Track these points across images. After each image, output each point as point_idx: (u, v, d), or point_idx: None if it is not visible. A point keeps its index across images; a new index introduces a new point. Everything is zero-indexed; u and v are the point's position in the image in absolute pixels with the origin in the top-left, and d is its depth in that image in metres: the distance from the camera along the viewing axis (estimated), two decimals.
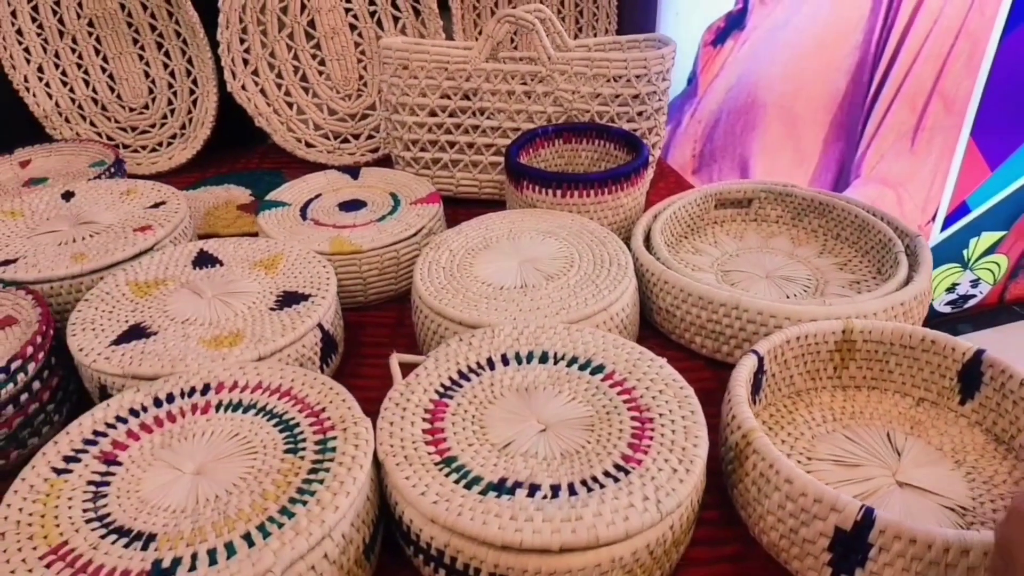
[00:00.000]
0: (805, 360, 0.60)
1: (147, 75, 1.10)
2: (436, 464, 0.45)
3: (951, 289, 1.72)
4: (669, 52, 0.87)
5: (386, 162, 1.05)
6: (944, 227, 1.62)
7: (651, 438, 0.47)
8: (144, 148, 1.11)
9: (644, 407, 0.50)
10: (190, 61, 1.08)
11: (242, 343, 0.58)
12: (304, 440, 0.47)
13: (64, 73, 1.07)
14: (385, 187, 0.86)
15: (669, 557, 0.45)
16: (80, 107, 1.09)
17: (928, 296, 0.68)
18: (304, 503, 0.42)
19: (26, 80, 1.05)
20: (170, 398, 0.51)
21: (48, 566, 0.39)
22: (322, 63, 1.10)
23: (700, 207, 0.83)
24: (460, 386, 0.52)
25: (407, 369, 0.54)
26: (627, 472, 0.44)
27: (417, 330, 0.67)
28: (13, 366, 0.54)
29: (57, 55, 1.06)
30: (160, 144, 1.11)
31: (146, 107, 1.11)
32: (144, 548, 0.40)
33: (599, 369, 0.53)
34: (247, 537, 0.40)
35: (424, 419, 0.49)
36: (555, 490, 0.43)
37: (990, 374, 0.55)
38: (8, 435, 0.55)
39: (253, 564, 0.38)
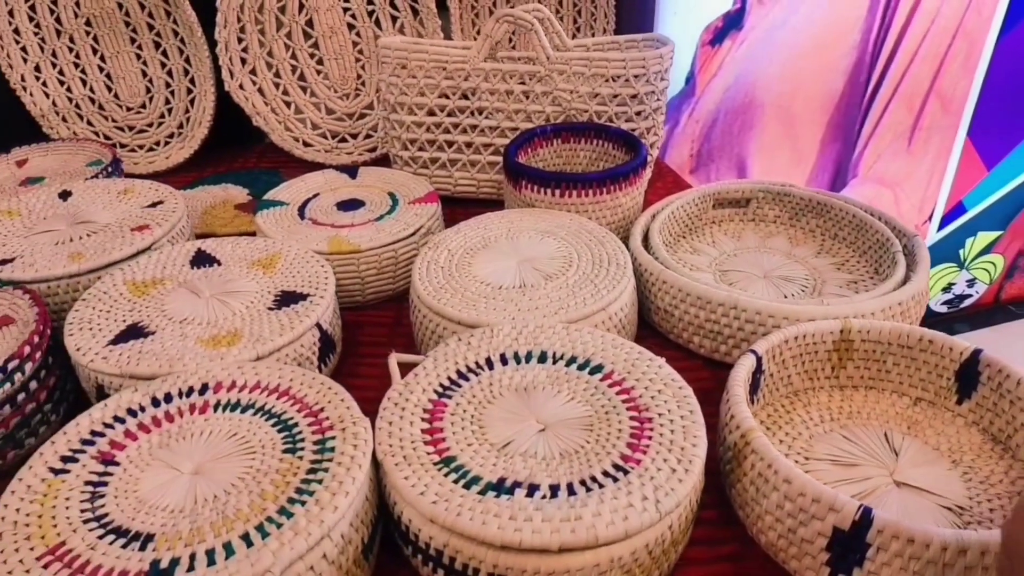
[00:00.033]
0: (803, 360, 0.60)
1: (144, 74, 1.09)
2: (435, 464, 0.45)
3: (947, 289, 1.73)
4: (667, 52, 0.87)
5: (384, 161, 1.05)
6: (941, 227, 1.62)
7: (650, 438, 0.47)
8: (141, 147, 1.10)
9: (643, 407, 0.50)
10: (188, 60, 1.08)
11: (240, 343, 0.58)
12: (303, 440, 0.47)
13: (61, 72, 1.07)
14: (383, 186, 0.86)
15: (667, 557, 0.45)
16: (77, 106, 1.09)
17: (926, 296, 0.68)
18: (303, 503, 0.42)
19: (23, 79, 1.05)
20: (168, 398, 0.51)
21: (46, 567, 0.39)
22: (320, 62, 1.10)
23: (698, 207, 0.83)
24: (459, 386, 0.52)
25: (406, 369, 0.54)
26: (626, 472, 0.44)
27: (415, 330, 0.67)
28: (10, 366, 0.54)
29: (54, 54, 1.06)
30: (157, 143, 1.11)
31: (143, 106, 1.10)
32: (142, 548, 0.40)
33: (598, 369, 0.53)
34: (246, 537, 0.40)
35: (423, 419, 0.49)
36: (554, 490, 0.43)
37: (987, 374, 0.55)
38: (5, 435, 0.55)
39: (252, 564, 0.38)
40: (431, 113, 0.91)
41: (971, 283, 1.74)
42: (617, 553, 0.41)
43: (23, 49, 1.04)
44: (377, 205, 0.82)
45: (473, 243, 0.71)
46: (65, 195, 0.81)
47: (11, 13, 1.02)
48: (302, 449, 0.46)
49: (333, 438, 0.47)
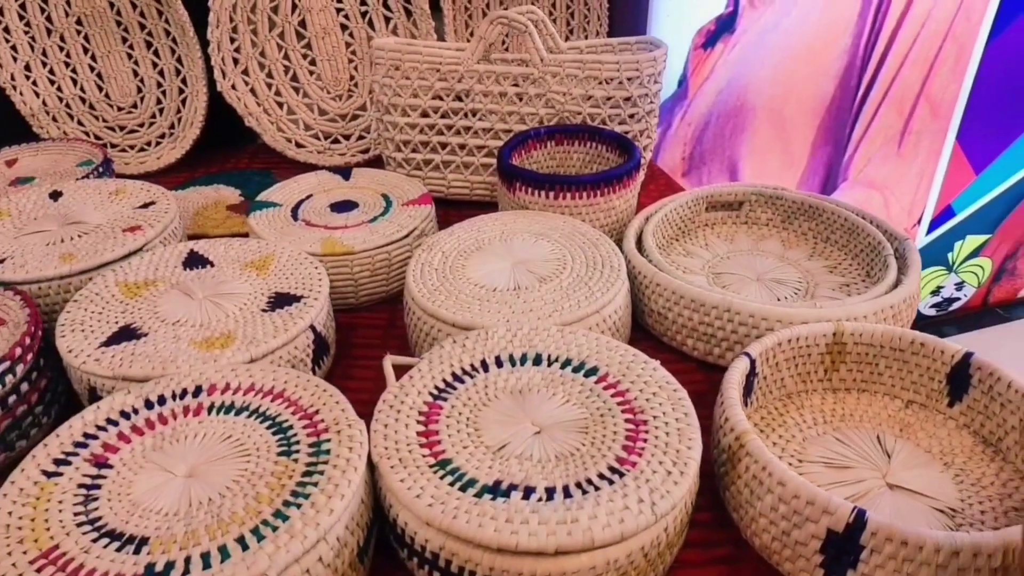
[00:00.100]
0: (796, 362, 0.60)
1: (136, 74, 1.09)
2: (431, 467, 0.45)
3: (936, 292, 1.74)
4: (661, 55, 0.87)
5: (377, 163, 1.05)
6: (929, 230, 1.63)
7: (645, 440, 0.47)
8: (132, 147, 1.10)
9: (638, 409, 0.50)
10: (179, 60, 1.08)
11: (234, 345, 0.57)
12: (298, 443, 0.47)
13: (51, 71, 1.06)
14: (377, 188, 0.86)
15: (663, 559, 0.46)
16: (68, 106, 1.08)
17: (917, 299, 0.68)
18: (298, 506, 0.42)
19: (12, 78, 1.04)
20: (161, 400, 0.51)
21: (39, 570, 0.39)
22: (313, 63, 1.09)
23: (691, 209, 0.84)
24: (454, 388, 0.52)
25: (400, 371, 0.54)
26: (622, 474, 0.45)
27: (409, 332, 0.67)
28: (1, 368, 0.54)
29: (44, 53, 1.05)
30: (149, 144, 1.10)
31: (135, 106, 1.10)
32: (136, 552, 0.40)
33: (593, 371, 0.53)
34: (241, 540, 0.40)
35: (418, 421, 0.49)
36: (550, 492, 0.43)
37: (978, 376, 0.56)
38: None
39: (248, 567, 0.38)
40: (424, 115, 0.91)
41: (959, 286, 1.75)
42: (613, 556, 0.41)
43: (13, 48, 1.04)
44: (371, 207, 0.82)
45: (467, 245, 0.71)
46: (56, 195, 0.80)
47: (0, 12, 1.02)
48: (297, 452, 0.46)
49: (328, 441, 0.46)
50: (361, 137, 1.11)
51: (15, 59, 1.04)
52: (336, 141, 1.11)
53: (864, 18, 1.34)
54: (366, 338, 0.73)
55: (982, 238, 1.67)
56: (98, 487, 0.45)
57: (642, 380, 0.52)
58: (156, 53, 1.08)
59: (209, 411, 0.50)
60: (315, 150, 1.10)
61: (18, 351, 0.55)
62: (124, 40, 1.07)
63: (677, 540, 0.47)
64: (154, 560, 0.39)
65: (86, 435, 0.48)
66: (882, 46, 1.37)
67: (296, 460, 0.45)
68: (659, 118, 0.95)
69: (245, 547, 0.40)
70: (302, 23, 1.07)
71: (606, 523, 0.41)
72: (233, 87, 1.06)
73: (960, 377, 0.57)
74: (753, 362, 0.57)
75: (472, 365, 0.54)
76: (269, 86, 1.09)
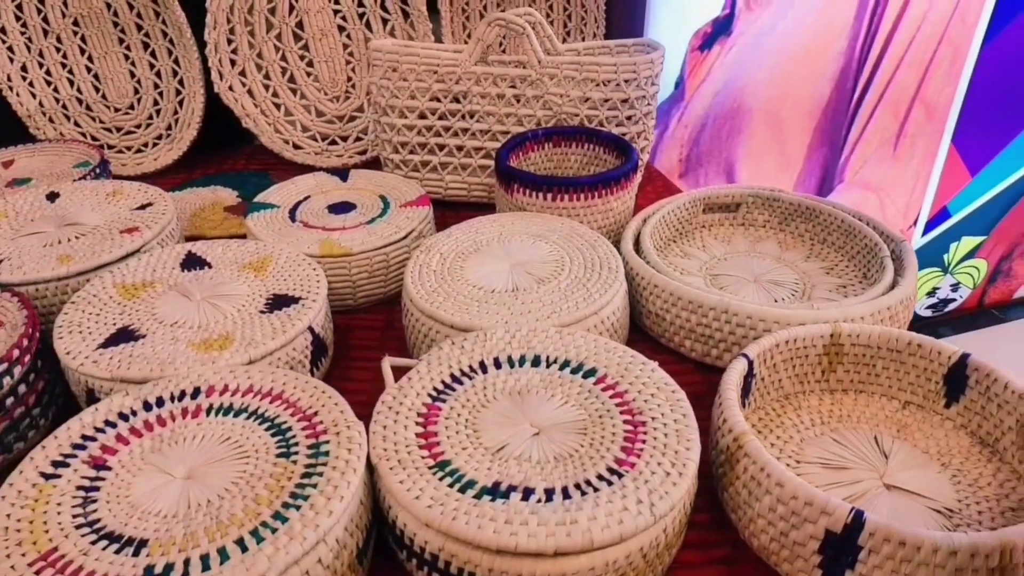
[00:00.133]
0: (794, 364, 0.61)
1: (133, 75, 1.09)
2: (430, 468, 0.45)
3: (932, 293, 1.75)
4: (658, 57, 0.87)
5: (374, 164, 1.05)
6: (925, 232, 1.64)
7: (644, 441, 0.47)
8: (129, 149, 1.10)
9: (636, 410, 0.50)
10: (176, 61, 1.08)
11: (232, 346, 0.57)
12: (297, 444, 0.47)
13: (48, 72, 1.06)
14: (374, 189, 0.86)
15: (661, 560, 0.46)
16: (64, 107, 1.08)
17: (913, 300, 0.68)
18: (298, 508, 0.42)
19: (9, 79, 1.04)
20: (160, 402, 0.51)
21: (38, 573, 0.39)
22: (310, 64, 1.09)
23: (689, 211, 0.84)
24: (453, 390, 0.52)
25: (399, 373, 0.54)
26: (620, 475, 0.45)
27: (407, 333, 0.67)
28: None
29: (41, 54, 1.05)
30: (146, 145, 1.10)
31: (131, 107, 1.10)
32: (136, 554, 0.40)
33: (591, 373, 0.54)
34: (240, 542, 0.40)
35: (417, 423, 0.49)
36: (549, 494, 0.43)
37: (975, 377, 0.56)
38: None
39: (247, 569, 0.38)
40: (422, 116, 0.91)
41: (955, 287, 1.76)
42: (612, 557, 0.41)
43: (9, 49, 1.03)
44: (368, 208, 0.82)
45: (465, 247, 0.71)
46: (53, 197, 0.80)
47: None
48: (296, 453, 0.46)
49: (327, 442, 0.46)
50: (359, 139, 1.11)
51: (12, 60, 1.04)
52: (333, 142, 1.11)
53: (860, 21, 1.35)
54: (364, 339, 0.73)
55: (978, 239, 1.68)
56: (97, 489, 0.44)
57: (640, 381, 0.52)
58: (153, 54, 1.08)
59: (208, 413, 0.50)
60: (312, 151, 1.10)
61: (15, 353, 0.55)
62: (121, 41, 1.07)
63: (676, 541, 0.47)
64: (153, 562, 0.39)
65: (84, 437, 0.48)
66: (878, 49, 1.37)
67: (295, 462, 0.45)
68: (656, 120, 0.95)
69: (244, 549, 0.40)
70: (299, 24, 1.07)
71: (605, 524, 0.41)
72: (230, 88, 1.06)
73: (957, 378, 0.57)
74: (751, 363, 0.57)
75: (471, 366, 0.54)
76: (266, 87, 1.09)
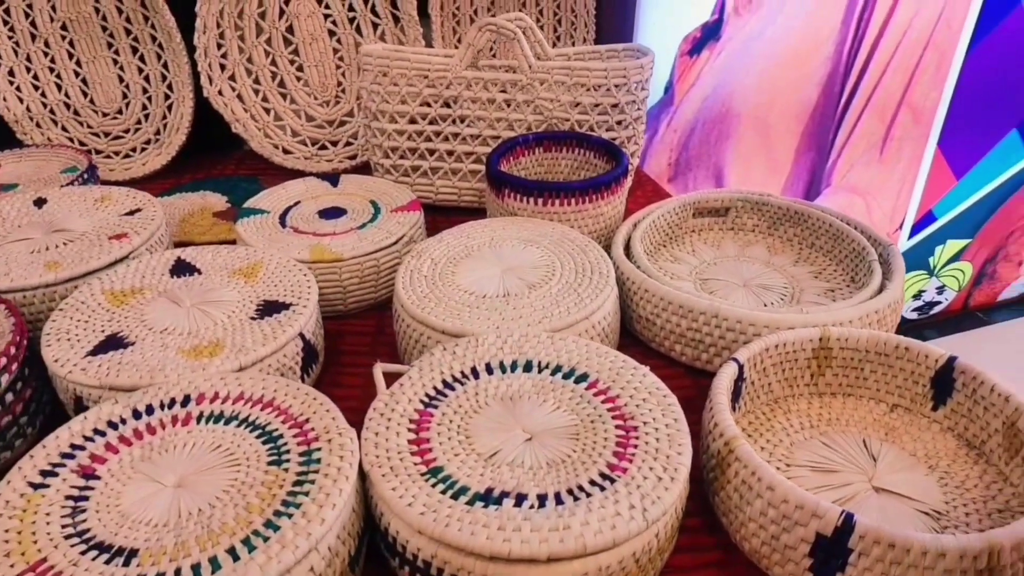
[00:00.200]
0: (783, 367, 0.61)
1: (121, 79, 1.08)
2: (422, 475, 0.45)
3: (918, 296, 1.76)
4: (648, 62, 0.88)
5: (365, 169, 1.04)
6: (911, 235, 1.65)
7: (636, 446, 0.47)
8: (117, 154, 1.09)
9: (628, 415, 0.50)
10: (165, 66, 1.07)
11: (222, 353, 0.57)
12: (288, 452, 0.47)
13: (36, 77, 1.05)
14: (365, 195, 0.86)
15: (654, 565, 0.46)
16: (52, 112, 1.07)
17: (901, 304, 0.69)
18: (290, 516, 0.42)
19: None
20: (149, 410, 0.50)
21: None
22: (300, 69, 1.09)
23: (678, 216, 0.84)
24: (445, 396, 0.52)
25: (390, 379, 0.54)
26: (613, 480, 0.45)
27: (399, 339, 0.67)
28: None
29: (29, 58, 1.04)
30: (134, 150, 1.09)
31: (120, 112, 1.09)
32: (126, 564, 0.40)
33: (583, 378, 0.54)
34: (232, 551, 0.40)
35: (409, 429, 0.49)
36: (542, 499, 0.44)
37: (962, 380, 0.57)
38: None
39: None
40: (413, 121, 0.91)
41: (940, 290, 1.77)
42: (605, 562, 0.42)
43: None
44: (359, 213, 0.82)
45: (456, 252, 0.71)
46: (40, 202, 0.79)
47: None
48: (287, 461, 0.46)
49: (319, 449, 0.46)
50: (349, 143, 1.11)
51: None
52: (324, 147, 1.11)
53: (847, 26, 1.36)
54: (355, 345, 0.73)
55: (963, 242, 1.69)
56: (86, 498, 0.44)
57: (632, 386, 0.53)
58: (142, 59, 1.07)
59: (198, 420, 0.50)
60: (302, 156, 1.10)
61: (3, 361, 0.54)
62: (110, 45, 1.06)
63: (668, 545, 0.47)
64: (144, 572, 0.39)
65: (73, 446, 0.48)
66: (864, 54, 1.38)
67: (287, 469, 0.45)
68: (646, 125, 0.95)
69: (236, 558, 0.39)
70: (289, 29, 1.07)
71: (598, 529, 0.41)
72: (220, 93, 1.06)
73: (944, 381, 0.58)
74: (741, 367, 0.57)
75: (462, 372, 0.54)
76: (256, 92, 1.08)
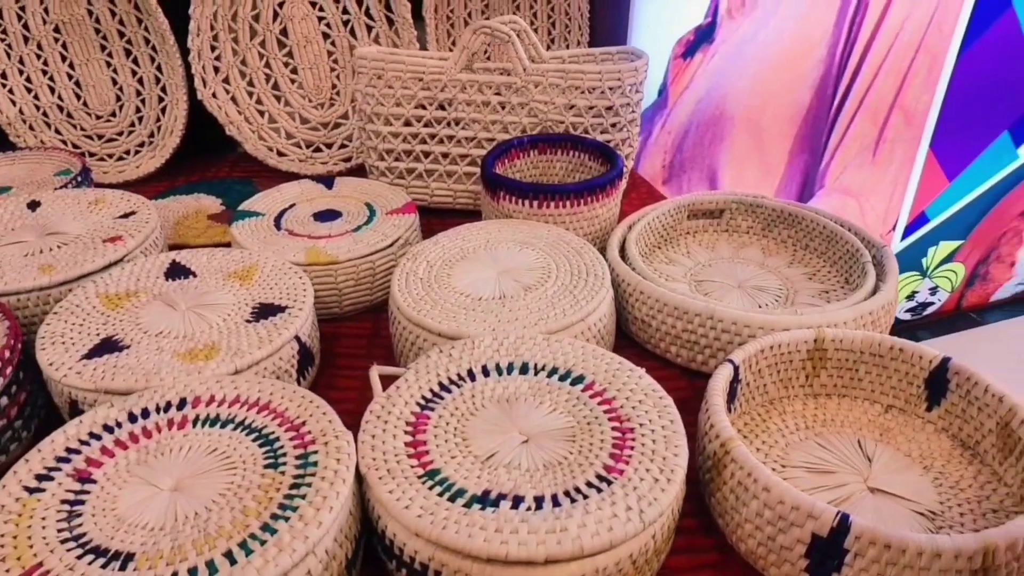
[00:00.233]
0: (778, 369, 0.61)
1: (115, 82, 1.08)
2: (419, 477, 0.45)
3: (911, 297, 1.77)
4: (642, 65, 0.88)
5: (359, 171, 1.04)
6: (904, 236, 1.66)
7: (632, 448, 0.47)
8: (111, 156, 1.09)
9: (624, 417, 0.50)
10: (159, 68, 1.07)
11: (218, 356, 0.57)
12: (284, 455, 0.47)
13: (29, 79, 1.05)
14: (360, 197, 0.86)
15: (650, 566, 0.46)
16: (45, 114, 1.07)
17: (894, 305, 0.69)
18: (286, 519, 0.42)
19: None
20: (145, 413, 0.50)
21: None
22: (294, 71, 1.09)
23: (673, 218, 0.85)
24: (441, 398, 0.52)
25: (387, 381, 0.54)
26: (609, 482, 0.45)
27: (395, 341, 0.67)
28: None
29: (22, 61, 1.04)
30: (128, 152, 1.09)
31: (113, 114, 1.09)
32: (122, 568, 0.39)
33: (579, 380, 0.54)
34: (228, 555, 0.40)
35: (406, 432, 0.49)
36: (539, 501, 0.44)
37: (956, 381, 0.57)
38: None
39: None
40: (407, 123, 0.91)
41: (933, 291, 1.78)
42: (602, 564, 0.42)
43: None
44: (354, 216, 0.82)
45: (452, 254, 0.71)
46: (34, 205, 0.79)
47: None
48: (284, 464, 0.46)
49: (316, 452, 0.46)
50: (343, 146, 1.10)
51: None
52: (318, 150, 1.10)
53: (840, 29, 1.36)
54: (350, 348, 0.72)
55: (955, 243, 1.70)
56: (82, 503, 0.44)
57: (628, 388, 0.53)
58: (135, 61, 1.07)
59: (194, 424, 0.50)
60: (297, 159, 1.10)
61: None
62: (103, 48, 1.06)
63: (664, 547, 0.47)
64: None
65: (69, 450, 0.47)
66: (857, 56, 1.39)
67: (283, 472, 0.45)
68: (640, 127, 0.96)
69: (233, 561, 0.39)
70: (284, 31, 1.07)
71: (595, 531, 0.41)
72: (214, 95, 1.06)
73: (938, 382, 0.58)
74: (736, 369, 0.57)
75: (459, 374, 0.54)
76: (250, 94, 1.08)
